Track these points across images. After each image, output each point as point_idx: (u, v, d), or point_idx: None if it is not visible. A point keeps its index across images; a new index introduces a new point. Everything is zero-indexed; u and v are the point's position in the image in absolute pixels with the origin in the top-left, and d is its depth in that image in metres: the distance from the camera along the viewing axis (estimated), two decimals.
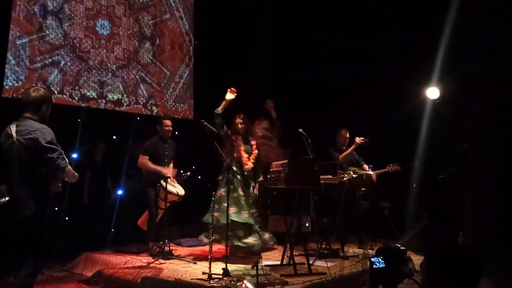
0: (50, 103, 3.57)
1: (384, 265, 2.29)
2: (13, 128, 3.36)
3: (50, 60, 6.62)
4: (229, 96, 5.56)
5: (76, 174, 3.52)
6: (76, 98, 6.85)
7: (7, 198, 3.31)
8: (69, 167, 3.40)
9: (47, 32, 6.61)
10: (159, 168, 5.78)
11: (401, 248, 2.42)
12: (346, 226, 6.55)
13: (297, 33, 8.64)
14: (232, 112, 5.77)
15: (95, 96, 7.06)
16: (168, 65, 8.07)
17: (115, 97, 7.30)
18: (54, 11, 6.70)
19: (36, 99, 3.44)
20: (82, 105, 6.90)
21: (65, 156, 3.37)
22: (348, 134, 6.88)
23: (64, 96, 6.73)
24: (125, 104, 7.41)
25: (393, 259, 2.21)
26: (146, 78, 7.74)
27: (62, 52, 6.75)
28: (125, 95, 7.41)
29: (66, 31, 6.80)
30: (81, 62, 6.93)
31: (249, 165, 5.67)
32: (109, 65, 7.25)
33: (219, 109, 5.56)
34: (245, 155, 5.69)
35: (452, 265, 1.90)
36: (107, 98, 7.20)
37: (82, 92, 6.92)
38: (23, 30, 6.38)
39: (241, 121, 5.77)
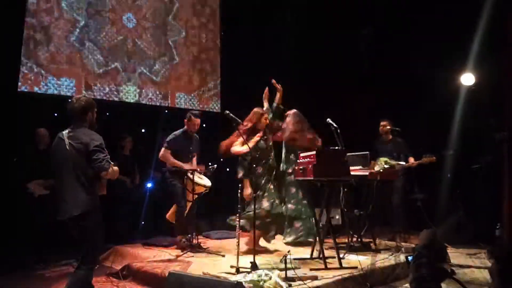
0: (94, 109, 3.82)
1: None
2: (65, 134, 3.66)
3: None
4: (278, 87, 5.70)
5: (117, 168, 3.72)
6: (103, 92, 6.91)
7: None
8: (112, 168, 3.62)
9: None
10: (179, 163, 5.72)
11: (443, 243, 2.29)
12: (378, 218, 6.41)
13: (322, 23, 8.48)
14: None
15: (124, 90, 7.09)
16: (196, 57, 8.03)
17: (140, 91, 7.32)
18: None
19: (80, 109, 3.71)
20: (115, 99, 6.98)
21: (109, 160, 3.61)
22: (383, 123, 6.80)
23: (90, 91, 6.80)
24: (152, 97, 7.43)
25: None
26: (173, 72, 7.73)
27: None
28: (152, 89, 7.42)
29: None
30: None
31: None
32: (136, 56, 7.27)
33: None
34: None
35: None
36: (132, 92, 7.22)
37: (112, 87, 6.97)
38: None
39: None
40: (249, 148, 5.03)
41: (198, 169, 5.75)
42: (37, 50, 6.37)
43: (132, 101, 7.23)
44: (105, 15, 7.03)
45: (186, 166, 5.71)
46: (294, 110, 5.99)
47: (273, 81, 5.71)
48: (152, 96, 7.47)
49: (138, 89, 7.28)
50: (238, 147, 5.25)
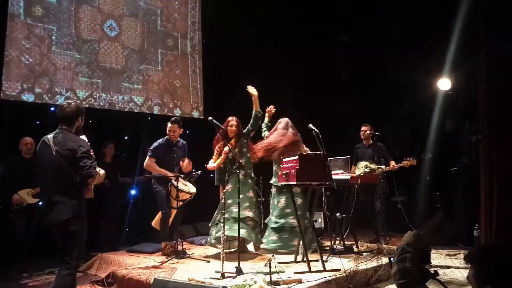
0: (83, 116, 3.87)
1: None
2: (50, 139, 3.65)
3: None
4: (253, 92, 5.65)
5: (103, 172, 3.81)
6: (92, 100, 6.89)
7: None
8: (98, 173, 3.68)
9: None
10: (165, 171, 5.75)
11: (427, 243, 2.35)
12: (360, 221, 6.52)
13: (303, 27, 8.58)
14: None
15: (108, 97, 7.08)
16: (178, 64, 8.06)
17: (126, 98, 7.31)
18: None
19: (71, 114, 3.74)
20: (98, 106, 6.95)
21: (96, 166, 3.63)
22: (363, 128, 6.93)
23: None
24: (137, 105, 7.42)
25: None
26: (155, 78, 7.74)
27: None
28: (136, 96, 7.42)
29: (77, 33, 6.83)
30: (93, 63, 6.96)
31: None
32: (117, 66, 7.26)
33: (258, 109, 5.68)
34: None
35: (504, 263, 1.87)
36: (119, 99, 7.21)
37: (95, 94, 6.95)
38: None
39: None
40: (217, 165, 5.51)
41: (182, 176, 5.78)
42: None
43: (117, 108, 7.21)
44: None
45: (169, 174, 5.72)
46: (284, 119, 5.84)
47: (248, 87, 5.66)
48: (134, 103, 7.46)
49: (120, 95, 7.26)
50: (211, 163, 5.59)
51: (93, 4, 7.04)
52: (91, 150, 3.73)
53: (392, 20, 7.71)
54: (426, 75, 7.41)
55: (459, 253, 6.08)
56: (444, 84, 7.31)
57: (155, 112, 7.62)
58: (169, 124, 5.90)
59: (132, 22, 7.50)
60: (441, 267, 5.41)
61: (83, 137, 3.83)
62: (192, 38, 8.33)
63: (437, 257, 5.92)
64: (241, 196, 4.89)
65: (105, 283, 4.89)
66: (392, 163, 6.65)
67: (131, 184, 7.22)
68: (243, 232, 5.16)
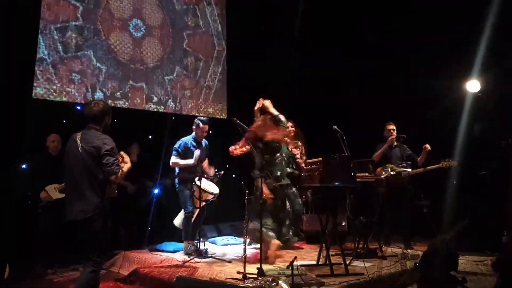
0: (110, 114, 3.93)
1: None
2: (78, 136, 3.73)
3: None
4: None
5: (127, 167, 3.84)
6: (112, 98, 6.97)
7: None
8: (121, 171, 3.71)
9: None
10: (190, 161, 5.75)
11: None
12: (385, 224, 6.41)
13: (331, 27, 8.53)
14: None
15: (131, 96, 7.16)
16: (202, 64, 8.10)
17: (151, 97, 7.39)
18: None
19: (98, 113, 3.80)
20: (123, 105, 7.06)
21: (119, 164, 3.68)
22: (392, 126, 6.75)
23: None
24: (160, 104, 7.49)
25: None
26: (180, 78, 7.80)
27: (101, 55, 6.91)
28: (160, 95, 7.49)
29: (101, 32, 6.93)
30: (117, 63, 7.05)
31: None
32: (142, 66, 7.34)
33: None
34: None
35: None
36: (144, 99, 7.29)
37: (117, 93, 7.04)
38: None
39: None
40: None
41: (208, 172, 5.78)
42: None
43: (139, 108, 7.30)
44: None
45: (194, 162, 5.70)
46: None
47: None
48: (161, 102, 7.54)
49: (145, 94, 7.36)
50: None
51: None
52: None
53: (419, 21, 7.57)
54: (454, 77, 7.25)
55: (486, 260, 5.92)
56: (473, 86, 7.14)
57: (181, 112, 7.71)
58: (200, 124, 5.91)
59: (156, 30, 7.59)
60: (468, 273, 5.27)
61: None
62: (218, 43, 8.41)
63: (464, 264, 5.77)
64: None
65: (128, 281, 4.94)
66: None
67: (154, 184, 7.28)
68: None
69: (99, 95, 6.83)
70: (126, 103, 7.12)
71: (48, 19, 6.45)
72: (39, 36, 6.35)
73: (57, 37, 6.50)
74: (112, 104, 6.90)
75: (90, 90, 6.76)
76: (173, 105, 7.67)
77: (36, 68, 6.30)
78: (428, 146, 6.37)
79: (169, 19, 7.75)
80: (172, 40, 7.76)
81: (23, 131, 5.97)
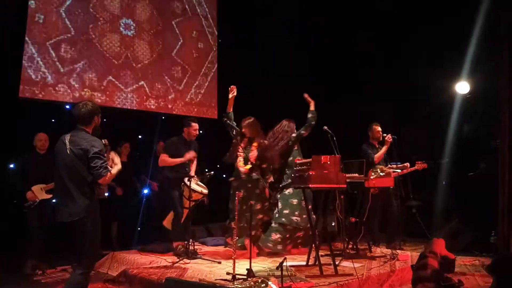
0: (99, 114, 3.87)
1: None
2: (67, 138, 3.69)
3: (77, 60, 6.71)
4: (231, 95, 5.78)
5: (115, 170, 3.79)
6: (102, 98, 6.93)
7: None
8: (109, 174, 3.66)
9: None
10: (178, 159, 5.74)
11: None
12: (374, 225, 6.43)
13: (322, 29, 8.55)
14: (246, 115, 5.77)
15: (120, 95, 7.12)
16: (192, 64, 8.08)
17: (138, 97, 7.35)
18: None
19: (87, 113, 3.76)
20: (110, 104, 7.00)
21: (107, 166, 3.65)
22: (379, 128, 6.72)
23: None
24: (149, 103, 7.46)
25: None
26: (169, 77, 7.77)
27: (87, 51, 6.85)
28: (148, 94, 7.46)
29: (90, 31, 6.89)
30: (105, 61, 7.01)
31: (243, 168, 5.61)
32: (133, 64, 7.30)
33: (227, 110, 5.77)
34: (240, 159, 5.65)
35: None
36: (132, 98, 7.25)
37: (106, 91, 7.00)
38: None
39: (245, 124, 5.71)
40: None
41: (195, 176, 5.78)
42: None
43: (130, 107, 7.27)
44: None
45: (183, 159, 5.72)
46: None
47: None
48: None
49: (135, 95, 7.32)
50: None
51: None
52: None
53: (409, 21, 7.61)
54: (444, 78, 7.29)
55: (474, 260, 5.95)
56: (462, 87, 7.19)
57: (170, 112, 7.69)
58: (192, 124, 5.90)
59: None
60: (456, 274, 5.30)
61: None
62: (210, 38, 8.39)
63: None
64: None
65: (117, 282, 4.91)
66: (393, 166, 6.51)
67: (143, 184, 7.25)
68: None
69: (87, 94, 6.77)
70: (126, 103, 7.08)
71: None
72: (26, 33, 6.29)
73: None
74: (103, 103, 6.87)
75: (78, 89, 6.71)
76: (163, 105, 7.63)
77: (23, 67, 6.23)
78: (390, 137, 6.35)
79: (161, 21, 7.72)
80: (162, 41, 7.72)
81: (13, 131, 5.93)
